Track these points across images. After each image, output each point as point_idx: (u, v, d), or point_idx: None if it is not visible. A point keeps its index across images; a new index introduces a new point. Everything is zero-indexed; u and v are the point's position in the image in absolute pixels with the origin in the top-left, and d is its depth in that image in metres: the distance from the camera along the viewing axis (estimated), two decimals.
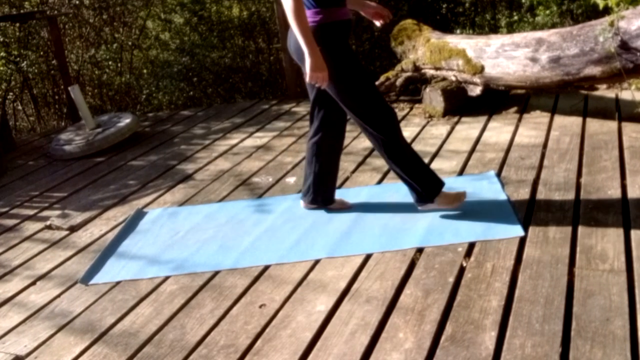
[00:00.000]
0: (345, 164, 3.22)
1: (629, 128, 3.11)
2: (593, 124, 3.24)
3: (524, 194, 2.52)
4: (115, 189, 3.38)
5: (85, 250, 2.65)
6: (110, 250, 2.58)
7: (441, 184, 2.38)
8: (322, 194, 2.56)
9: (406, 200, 2.48)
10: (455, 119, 3.70)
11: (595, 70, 3.03)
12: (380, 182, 2.92)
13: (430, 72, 3.97)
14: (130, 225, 2.81)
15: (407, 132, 3.50)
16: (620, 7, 2.98)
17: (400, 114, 3.97)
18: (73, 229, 2.88)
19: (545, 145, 3.04)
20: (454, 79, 3.80)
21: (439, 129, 3.56)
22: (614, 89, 3.80)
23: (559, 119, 3.42)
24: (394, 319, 1.81)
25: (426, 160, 2.77)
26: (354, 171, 3.10)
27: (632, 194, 2.38)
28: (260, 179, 3.20)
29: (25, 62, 6.35)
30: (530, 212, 2.35)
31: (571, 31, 3.15)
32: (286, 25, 4.91)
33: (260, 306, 2.00)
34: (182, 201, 3.05)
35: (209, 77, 6.24)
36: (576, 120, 3.34)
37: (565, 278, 1.88)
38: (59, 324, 2.09)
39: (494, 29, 5.33)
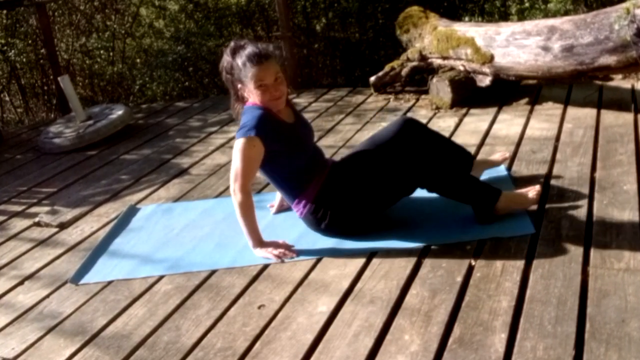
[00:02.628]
0: None
1: None
2: (608, 116, 3.18)
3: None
4: (107, 184, 3.34)
5: (76, 248, 2.60)
6: (101, 249, 2.53)
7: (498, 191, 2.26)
8: None
9: (411, 196, 2.40)
10: (464, 110, 3.64)
11: (610, 60, 2.97)
12: None
13: (437, 61, 3.91)
14: (122, 222, 2.76)
15: None
16: None
17: (405, 106, 3.93)
18: (63, 226, 2.83)
19: (557, 139, 2.99)
20: (462, 68, 3.74)
21: (447, 121, 3.50)
22: (629, 79, 3.74)
23: (572, 111, 3.36)
24: (399, 321, 1.77)
25: None
26: None
27: None
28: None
29: (12, 51, 6.31)
30: (542, 208, 2.30)
31: (585, 19, 3.09)
32: (286, 13, 4.92)
33: (259, 307, 1.95)
34: (177, 197, 3.01)
35: (206, 66, 6.19)
36: (590, 112, 3.28)
37: (578, 277, 1.83)
38: (48, 325, 2.04)
39: (504, 17, 5.30)
